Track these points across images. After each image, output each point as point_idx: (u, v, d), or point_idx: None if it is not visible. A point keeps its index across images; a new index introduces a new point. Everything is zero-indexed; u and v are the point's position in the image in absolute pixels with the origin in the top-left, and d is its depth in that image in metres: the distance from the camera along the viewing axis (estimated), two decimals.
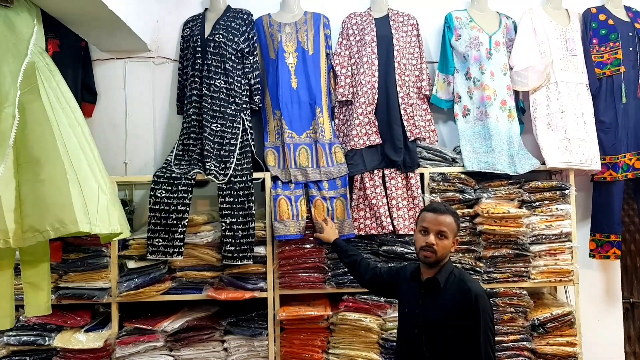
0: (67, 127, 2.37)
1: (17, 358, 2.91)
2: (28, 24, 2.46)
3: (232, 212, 3.01)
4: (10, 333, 2.88)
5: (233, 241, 2.98)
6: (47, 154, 2.22)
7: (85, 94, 3.31)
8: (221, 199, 3.02)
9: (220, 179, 3.03)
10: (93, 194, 2.30)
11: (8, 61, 2.29)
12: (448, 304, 2.12)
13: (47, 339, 2.88)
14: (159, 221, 2.95)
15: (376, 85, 3.23)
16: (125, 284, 2.93)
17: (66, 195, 2.21)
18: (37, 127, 2.25)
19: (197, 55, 3.19)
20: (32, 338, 2.88)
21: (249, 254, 3.00)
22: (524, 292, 3.08)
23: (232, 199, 3.02)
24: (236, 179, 3.06)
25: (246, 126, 3.20)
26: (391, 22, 3.34)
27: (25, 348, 2.91)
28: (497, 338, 3.00)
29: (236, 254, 2.98)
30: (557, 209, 3.14)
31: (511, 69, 3.34)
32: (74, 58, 3.23)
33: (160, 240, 2.95)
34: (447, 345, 2.10)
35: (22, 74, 2.30)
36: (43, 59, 2.44)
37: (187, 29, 3.34)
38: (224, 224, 3.00)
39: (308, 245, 3.10)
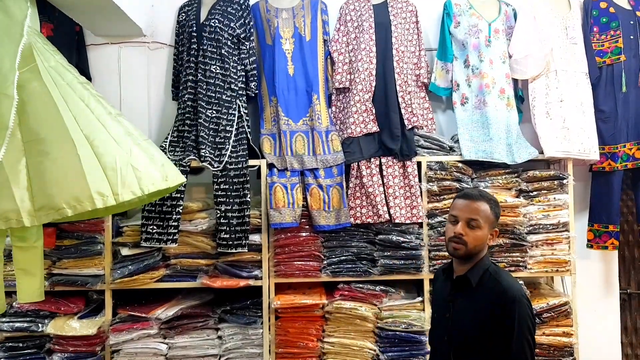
0: (78, 101, 2.32)
1: (10, 344, 2.89)
2: (21, 6, 2.42)
3: (227, 200, 2.99)
4: (4, 319, 2.87)
5: (228, 229, 2.96)
6: (53, 132, 2.18)
7: None
8: (216, 187, 3.00)
9: (215, 166, 3.01)
10: (113, 162, 2.26)
11: (4, 44, 2.25)
12: (480, 307, 1.85)
13: (40, 325, 2.87)
14: (153, 208, 2.92)
15: (374, 72, 3.19)
16: (119, 271, 2.91)
17: (79, 173, 2.16)
18: (40, 105, 2.22)
19: (192, 41, 3.14)
20: (25, 325, 2.87)
21: (244, 241, 2.98)
22: (521, 281, 3.02)
23: (227, 187, 3.00)
24: (231, 166, 3.03)
25: (242, 113, 3.17)
26: (390, 9, 3.29)
27: (19, 334, 2.90)
28: None
29: (231, 242, 2.96)
30: (554, 198, 3.13)
31: (510, 57, 3.30)
32: (67, 42, 3.18)
33: (155, 227, 2.92)
34: (478, 355, 1.85)
35: (20, 55, 2.27)
36: (41, 40, 2.41)
37: (183, 14, 3.29)
38: (218, 212, 2.98)
39: (304, 234, 3.08)
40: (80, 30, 3.29)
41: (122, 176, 2.25)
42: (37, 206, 2.10)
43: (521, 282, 3.01)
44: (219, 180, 3.00)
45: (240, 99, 3.19)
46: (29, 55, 2.29)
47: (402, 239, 3.05)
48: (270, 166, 3.11)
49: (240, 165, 3.05)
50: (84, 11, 2.90)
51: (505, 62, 3.28)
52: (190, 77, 3.12)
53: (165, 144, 3.10)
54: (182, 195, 2.95)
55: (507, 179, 3.13)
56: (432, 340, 2.13)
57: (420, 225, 3.10)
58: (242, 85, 3.21)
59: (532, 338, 1.81)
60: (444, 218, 3.08)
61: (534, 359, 1.83)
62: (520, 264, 3.10)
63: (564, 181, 3.14)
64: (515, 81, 3.35)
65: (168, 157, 3.00)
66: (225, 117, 3.11)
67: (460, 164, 3.12)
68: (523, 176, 3.17)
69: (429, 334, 2.18)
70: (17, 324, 2.87)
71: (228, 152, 3.05)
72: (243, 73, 3.22)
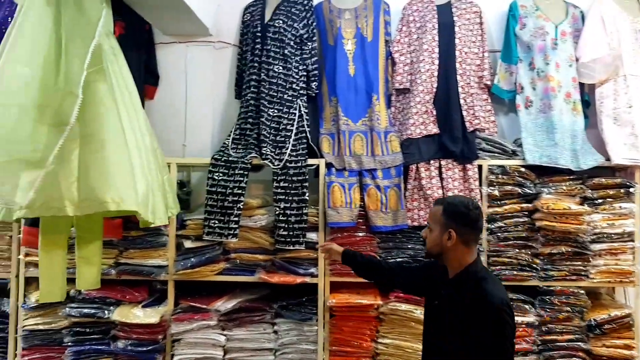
0: (131, 108, 2.44)
1: (77, 329, 3.03)
2: (97, 6, 2.49)
3: (286, 198, 3.03)
4: (72, 305, 3.00)
5: (286, 226, 3.01)
6: (110, 131, 2.27)
7: (148, 77, 3.38)
8: (276, 184, 3.04)
9: (275, 164, 3.06)
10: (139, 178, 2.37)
11: (76, 44, 2.32)
12: (462, 312, 1.93)
13: (106, 312, 2.99)
14: (215, 203, 3.01)
15: (435, 73, 3.17)
16: (181, 263, 3.01)
17: (129, 174, 2.26)
18: (101, 106, 2.30)
19: (256, 41, 3.20)
20: (93, 311, 2.99)
21: (302, 239, 3.02)
22: (582, 291, 2.99)
23: (286, 185, 3.05)
24: (291, 165, 3.07)
25: (302, 112, 3.21)
26: (453, 10, 3.27)
27: (86, 320, 3.02)
28: (551, 337, 2.97)
29: (289, 239, 3.01)
30: (620, 207, 3.03)
31: (577, 60, 3.21)
32: (138, 41, 3.30)
33: (216, 222, 3.00)
34: (459, 357, 1.94)
35: (90, 56, 2.35)
36: (109, 42, 2.49)
37: (248, 14, 3.36)
38: (277, 209, 3.03)
39: (360, 234, 3.10)
40: (150, 29, 3.40)
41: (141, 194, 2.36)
42: (82, 197, 2.18)
43: (582, 291, 2.98)
44: (279, 178, 3.05)
45: (301, 98, 3.23)
46: (98, 57, 2.35)
47: None
48: (329, 165, 3.14)
49: (299, 164, 3.08)
50: (155, 10, 2.99)
51: (572, 66, 3.20)
52: (254, 77, 3.18)
53: (228, 141, 3.18)
54: (244, 192, 3.02)
55: (571, 185, 3.05)
56: (423, 336, 2.23)
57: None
58: (303, 85, 3.25)
59: (512, 345, 1.89)
60: (505, 223, 3.04)
61: None
62: (582, 273, 3.02)
63: (631, 189, 3.03)
64: (581, 85, 3.25)
65: (231, 153, 3.09)
66: (286, 116, 3.16)
67: (523, 169, 3.06)
68: (588, 183, 3.07)
69: (423, 330, 2.26)
70: (85, 310, 3.00)
71: (288, 151, 3.10)
72: (304, 73, 3.26)
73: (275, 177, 3.06)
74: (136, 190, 2.27)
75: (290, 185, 3.05)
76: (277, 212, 3.03)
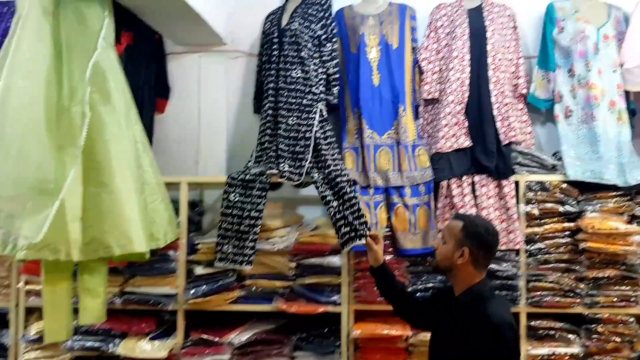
0: (127, 134, 2.26)
1: None
2: (99, 16, 2.35)
3: (334, 197, 2.78)
4: (75, 337, 2.78)
5: (345, 222, 2.72)
6: (117, 162, 2.11)
7: (159, 89, 3.23)
8: (321, 190, 2.80)
9: (295, 179, 2.84)
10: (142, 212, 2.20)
11: (76, 55, 2.19)
12: (465, 331, 1.93)
13: (110, 345, 2.78)
14: (230, 227, 2.79)
15: (467, 82, 2.96)
16: (192, 291, 2.78)
17: (133, 210, 2.10)
18: (107, 131, 2.14)
19: (273, 47, 3.01)
20: (96, 344, 2.79)
21: (366, 232, 2.67)
22: (631, 319, 2.76)
23: (328, 185, 2.80)
24: (335, 172, 2.82)
25: (324, 115, 2.96)
26: (485, 14, 3.05)
27: (89, 354, 2.82)
28: None
29: (353, 234, 2.71)
30: None
31: (621, 66, 2.99)
32: (148, 51, 3.16)
33: (230, 247, 2.78)
34: None
35: (91, 70, 2.18)
36: (108, 55, 2.33)
37: (268, 23, 3.17)
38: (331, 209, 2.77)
39: (387, 257, 2.84)
40: (160, 38, 3.25)
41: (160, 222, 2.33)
42: (87, 239, 2.03)
43: (632, 319, 2.75)
44: (317, 184, 2.81)
45: (321, 102, 2.98)
46: (101, 72, 2.20)
47: (496, 267, 2.78)
48: (353, 182, 2.91)
49: (339, 167, 2.84)
50: (165, 19, 2.84)
51: (616, 72, 2.97)
52: (271, 85, 2.97)
53: (251, 162, 2.98)
54: (261, 215, 2.79)
55: (618, 202, 2.82)
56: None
57: (517, 252, 2.83)
58: (323, 89, 3.02)
59: None
60: (545, 244, 2.82)
61: None
62: (632, 299, 2.78)
63: None
64: (626, 93, 3.03)
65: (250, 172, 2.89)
66: (305, 122, 2.90)
67: (564, 185, 2.84)
68: (637, 200, 2.85)
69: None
70: (88, 343, 2.80)
71: (307, 163, 2.85)
72: (324, 76, 3.03)
73: (318, 186, 2.80)
74: (141, 228, 2.08)
75: (334, 186, 2.79)
76: (331, 214, 2.76)
